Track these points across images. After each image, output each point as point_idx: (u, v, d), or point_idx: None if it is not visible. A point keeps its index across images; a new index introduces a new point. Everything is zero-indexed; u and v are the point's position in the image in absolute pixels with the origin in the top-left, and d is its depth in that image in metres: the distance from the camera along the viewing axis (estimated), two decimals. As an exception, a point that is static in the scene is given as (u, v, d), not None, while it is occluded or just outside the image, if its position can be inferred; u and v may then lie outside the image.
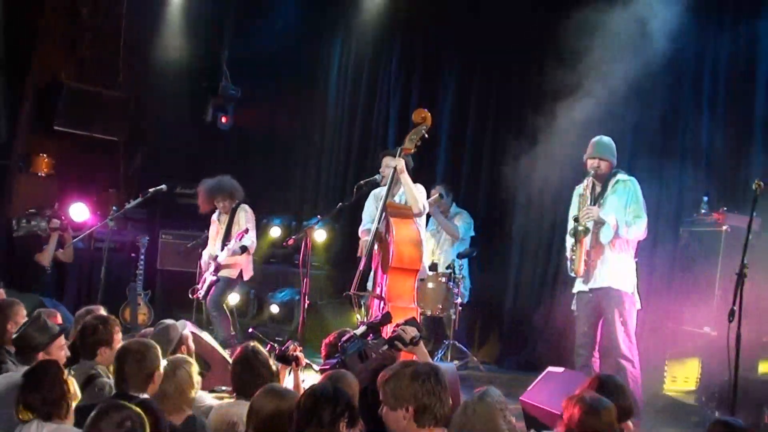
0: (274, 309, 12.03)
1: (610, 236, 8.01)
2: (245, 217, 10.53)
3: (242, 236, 10.17)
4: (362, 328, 6.45)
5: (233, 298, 10.67)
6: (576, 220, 8.19)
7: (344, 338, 6.34)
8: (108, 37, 13.41)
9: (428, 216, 9.94)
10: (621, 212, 8.01)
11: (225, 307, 10.29)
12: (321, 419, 4.20)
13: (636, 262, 8.23)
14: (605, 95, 10.01)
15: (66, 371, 4.94)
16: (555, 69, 11.32)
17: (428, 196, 9.61)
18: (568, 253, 8.30)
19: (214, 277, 10.31)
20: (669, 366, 9.11)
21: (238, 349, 5.97)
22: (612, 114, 10.05)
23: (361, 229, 9.20)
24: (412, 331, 5.91)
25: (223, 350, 8.68)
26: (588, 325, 8.18)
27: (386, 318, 6.61)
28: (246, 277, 10.61)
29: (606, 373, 5.84)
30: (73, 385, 4.89)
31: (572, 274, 8.32)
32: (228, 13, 14.14)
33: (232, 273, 10.39)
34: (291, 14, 14.16)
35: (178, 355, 5.74)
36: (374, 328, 6.47)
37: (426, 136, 8.63)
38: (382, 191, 9.00)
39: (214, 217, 10.78)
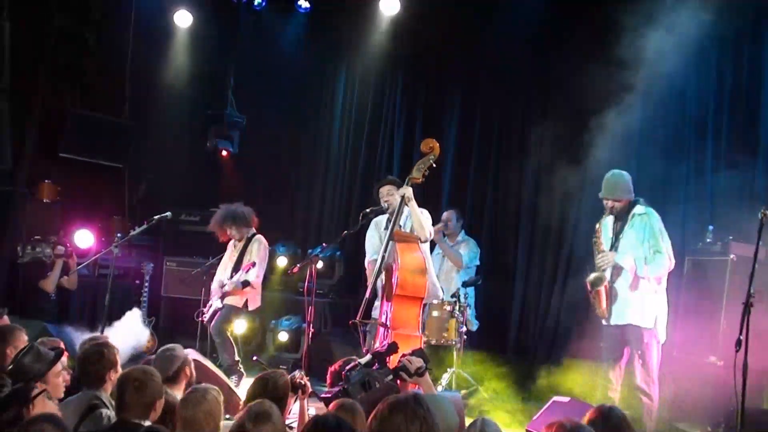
0: (283, 337, 11.96)
1: (630, 279, 8.03)
2: (257, 248, 10.46)
3: (249, 269, 10.13)
4: (367, 357, 6.42)
5: (239, 327, 10.62)
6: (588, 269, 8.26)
7: (348, 367, 6.32)
8: (114, 64, 13.47)
9: (433, 243, 9.92)
10: (639, 247, 8.02)
11: (229, 335, 10.24)
12: None
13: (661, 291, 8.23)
14: (607, 123, 10.05)
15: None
16: (557, 96, 11.37)
17: (435, 223, 9.60)
18: (592, 300, 8.35)
19: (220, 304, 10.28)
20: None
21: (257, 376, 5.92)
22: (614, 142, 10.07)
23: (367, 260, 9.22)
24: (417, 362, 5.89)
25: (227, 378, 8.64)
26: (613, 358, 8.19)
27: (392, 348, 6.58)
28: (251, 307, 10.52)
29: (607, 405, 5.81)
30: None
31: (600, 317, 8.35)
32: (234, 42, 14.19)
33: (238, 301, 10.34)
34: (296, 44, 14.23)
35: (206, 384, 5.59)
36: (380, 357, 6.44)
37: (434, 165, 8.66)
38: (382, 219, 9.06)
39: (231, 242, 10.75)
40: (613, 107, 10.03)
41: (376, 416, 4.39)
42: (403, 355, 6.11)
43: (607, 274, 8.19)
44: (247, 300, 10.43)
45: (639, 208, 8.18)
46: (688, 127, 10.85)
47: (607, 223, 8.39)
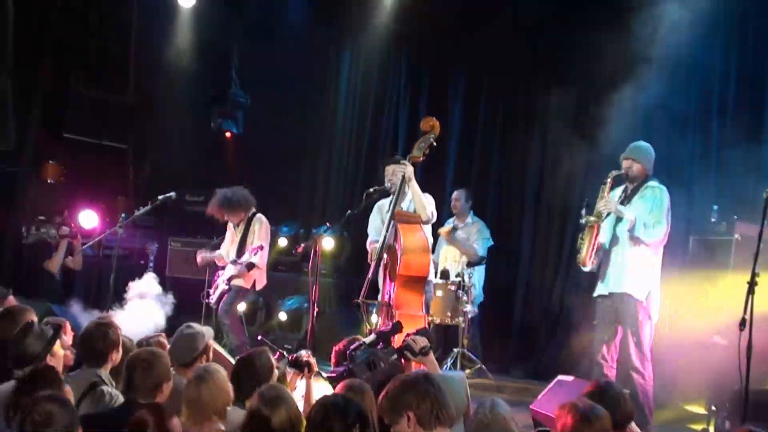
0: (282, 317, 11.99)
1: (627, 228, 8.00)
2: (260, 229, 10.37)
3: (256, 251, 10.08)
4: (372, 337, 6.42)
5: (240, 307, 10.62)
6: (587, 206, 8.19)
7: (353, 346, 6.32)
8: (117, 43, 13.45)
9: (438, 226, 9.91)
10: (644, 216, 8.00)
11: (237, 316, 10.25)
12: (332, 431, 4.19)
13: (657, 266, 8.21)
14: (613, 102, 10.04)
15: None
16: (563, 75, 11.34)
17: (440, 205, 9.60)
18: (578, 243, 8.32)
19: (227, 286, 10.28)
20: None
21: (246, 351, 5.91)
22: (620, 121, 10.07)
23: (368, 241, 9.20)
24: (422, 341, 5.91)
25: (233, 359, 8.63)
26: (607, 335, 8.19)
27: (397, 327, 6.57)
28: (259, 287, 10.52)
29: (605, 380, 5.83)
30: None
31: (581, 266, 8.32)
32: (238, 22, 14.16)
33: (245, 282, 10.33)
34: (300, 24, 14.18)
35: (212, 363, 5.58)
36: (384, 336, 6.44)
37: (435, 144, 8.61)
38: (385, 203, 9.03)
39: (230, 224, 10.71)
40: (617, 86, 10.03)
41: (386, 395, 4.42)
42: (408, 335, 6.11)
43: (605, 230, 8.19)
44: (254, 281, 10.43)
45: (653, 182, 8.16)
46: (693, 105, 10.82)
47: (616, 191, 8.36)
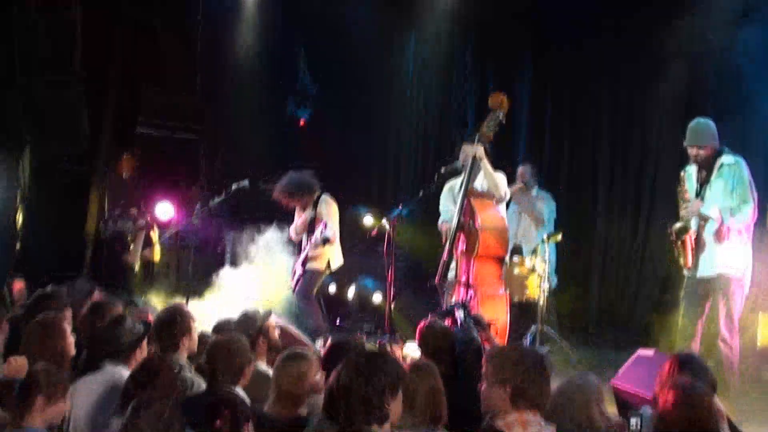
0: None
1: (716, 228, 7.86)
2: (326, 208, 10.40)
3: (322, 229, 10.10)
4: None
5: (331, 288, 10.65)
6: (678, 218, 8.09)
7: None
8: (185, 38, 13.58)
9: (509, 201, 9.86)
10: (727, 197, 7.82)
11: (314, 299, 10.28)
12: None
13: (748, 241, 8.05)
14: (683, 72, 9.90)
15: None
16: (632, 49, 11.21)
17: (512, 179, 9.57)
18: (675, 252, 8.19)
19: (302, 270, 10.31)
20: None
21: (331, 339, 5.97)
22: (692, 85, 9.93)
23: (440, 223, 9.17)
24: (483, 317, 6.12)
25: (310, 341, 8.68)
26: (695, 310, 8.06)
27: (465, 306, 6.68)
28: (334, 266, 10.42)
29: (686, 352, 5.76)
30: None
31: (684, 270, 8.19)
32: (303, 10, 14.21)
33: (319, 264, 10.33)
34: (365, 7, 14.18)
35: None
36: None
37: (503, 121, 8.55)
38: (456, 183, 8.97)
39: (297, 209, 10.73)
40: (687, 57, 9.90)
41: (496, 357, 4.43)
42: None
43: (693, 224, 8.04)
44: (329, 260, 10.42)
45: (727, 158, 7.92)
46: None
47: (691, 172, 8.20)
